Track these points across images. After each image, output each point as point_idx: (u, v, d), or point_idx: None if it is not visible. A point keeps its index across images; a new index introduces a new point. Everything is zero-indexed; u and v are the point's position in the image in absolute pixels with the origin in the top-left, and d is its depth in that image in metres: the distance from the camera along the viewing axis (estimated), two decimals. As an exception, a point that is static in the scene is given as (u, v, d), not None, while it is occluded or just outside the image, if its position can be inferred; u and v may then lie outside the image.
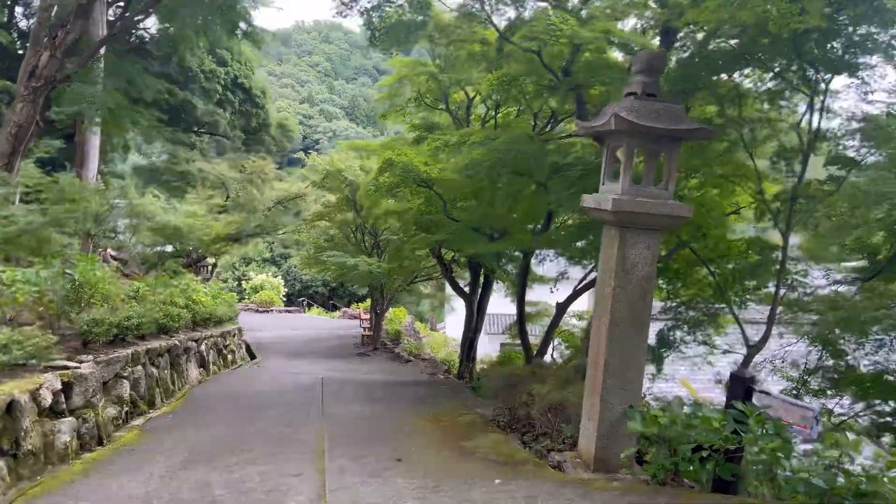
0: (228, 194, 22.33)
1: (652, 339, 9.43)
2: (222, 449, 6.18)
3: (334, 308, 39.43)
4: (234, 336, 14.66)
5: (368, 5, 8.81)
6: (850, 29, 6.26)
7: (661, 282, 9.61)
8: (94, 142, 14.45)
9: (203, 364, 11.38)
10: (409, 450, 6.20)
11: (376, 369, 15.40)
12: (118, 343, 7.59)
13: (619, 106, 4.66)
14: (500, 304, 17.79)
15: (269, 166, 22.91)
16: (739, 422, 4.13)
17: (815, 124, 6.77)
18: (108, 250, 18.43)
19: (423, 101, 13.73)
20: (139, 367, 7.86)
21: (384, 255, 18.29)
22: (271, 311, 32.47)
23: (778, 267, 7.65)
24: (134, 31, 15.48)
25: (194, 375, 10.59)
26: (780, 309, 7.87)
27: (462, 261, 15.47)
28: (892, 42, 6.05)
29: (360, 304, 31.55)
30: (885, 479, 3.70)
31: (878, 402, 9.58)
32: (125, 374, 7.36)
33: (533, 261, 12.76)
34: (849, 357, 9.61)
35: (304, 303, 39.16)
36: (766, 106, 7.38)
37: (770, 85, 7.18)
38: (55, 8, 10.45)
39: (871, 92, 6.40)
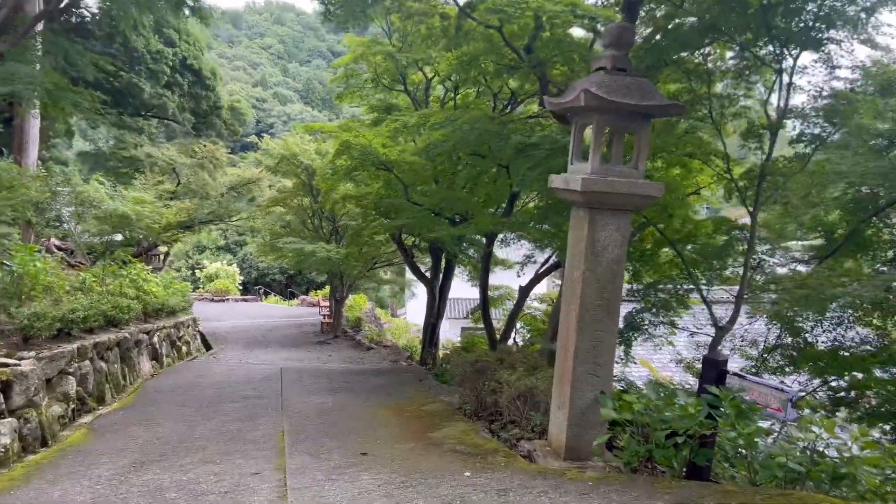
0: (179, 180, 21.66)
1: (620, 323, 9.43)
2: (176, 447, 5.88)
3: (292, 296, 38.89)
4: (188, 327, 14.23)
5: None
6: (818, 1, 6.18)
7: (626, 264, 9.60)
8: (34, 126, 13.76)
9: (156, 357, 11.00)
10: (373, 442, 5.99)
11: (337, 358, 15.12)
12: (63, 337, 7.28)
13: (588, 80, 4.46)
14: (462, 288, 17.69)
15: (222, 151, 22.29)
16: (713, 406, 4.04)
17: (782, 102, 6.71)
18: (52, 240, 17.74)
19: (380, 82, 13.40)
20: (86, 363, 7.51)
21: (343, 241, 17.95)
22: (227, 300, 31.86)
23: (745, 247, 7.63)
24: (74, 8, 14.69)
25: (147, 369, 10.22)
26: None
27: (423, 246, 15.26)
28: (860, 15, 6.00)
29: (319, 291, 31.12)
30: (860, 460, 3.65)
31: (833, 378, 9.78)
32: (71, 370, 7.03)
33: (496, 245, 12.63)
34: (807, 334, 9.78)
35: (261, 291, 38.51)
36: (733, 82, 7.30)
37: (732, 63, 7.09)
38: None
39: (838, 67, 6.37)
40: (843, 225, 9.56)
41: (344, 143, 10.20)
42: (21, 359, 5.98)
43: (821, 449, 3.89)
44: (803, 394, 8.92)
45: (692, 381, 11.17)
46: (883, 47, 6.42)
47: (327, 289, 23.73)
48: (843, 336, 9.69)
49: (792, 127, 7.15)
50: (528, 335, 15.02)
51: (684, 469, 4.35)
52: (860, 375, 9.41)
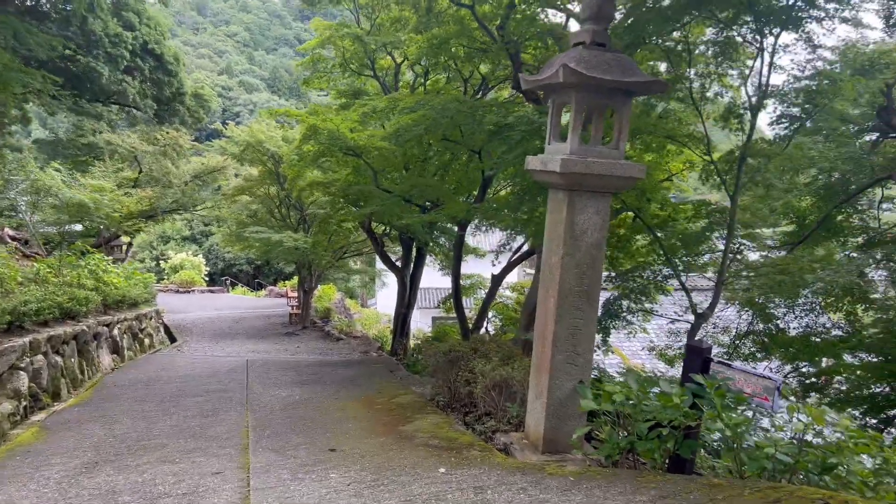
0: (141, 168, 20.95)
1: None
2: (133, 446, 5.55)
3: (260, 287, 38.25)
4: (151, 319, 13.75)
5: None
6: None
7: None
8: (-17, 110, 13.07)
9: (116, 350, 10.57)
10: (343, 437, 5.74)
11: (305, 349, 14.79)
12: (14, 331, 6.94)
13: (566, 56, 4.23)
14: (433, 277, 17.48)
15: (185, 138, 21.62)
16: (698, 396, 3.88)
17: (763, 80, 6.58)
18: (6, 229, 17.09)
19: (348, 67, 13.06)
20: (39, 357, 7.15)
21: (311, 229, 17.57)
22: (193, 291, 31.21)
23: (725, 231, 7.51)
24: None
25: (106, 363, 9.81)
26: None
27: (393, 234, 15.00)
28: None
29: (287, 281, 30.58)
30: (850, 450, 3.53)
31: (804, 364, 9.82)
32: (22, 366, 6.68)
33: (468, 234, 12.43)
34: (778, 321, 9.80)
35: (228, 282, 37.82)
36: (714, 61, 7.15)
37: (712, 41, 6.93)
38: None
39: (819, 47, 6.26)
40: (815, 211, 9.57)
41: (311, 128, 9.84)
42: (-35, 354, 5.63)
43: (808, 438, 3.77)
44: (783, 381, 8.94)
45: (663, 369, 11.14)
46: (866, 25, 6.32)
47: (295, 279, 23.32)
48: (814, 322, 9.73)
49: (773, 109, 7.03)
50: (501, 324, 14.90)
51: (666, 461, 4.19)
52: (832, 361, 9.46)
